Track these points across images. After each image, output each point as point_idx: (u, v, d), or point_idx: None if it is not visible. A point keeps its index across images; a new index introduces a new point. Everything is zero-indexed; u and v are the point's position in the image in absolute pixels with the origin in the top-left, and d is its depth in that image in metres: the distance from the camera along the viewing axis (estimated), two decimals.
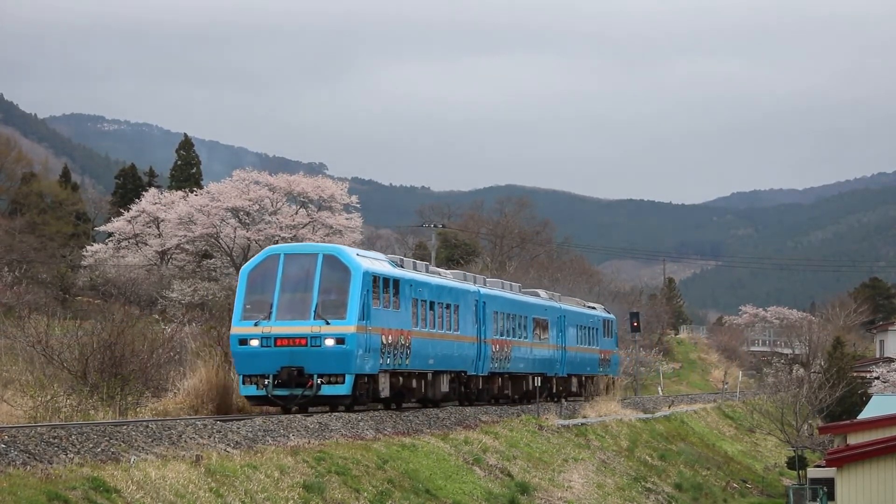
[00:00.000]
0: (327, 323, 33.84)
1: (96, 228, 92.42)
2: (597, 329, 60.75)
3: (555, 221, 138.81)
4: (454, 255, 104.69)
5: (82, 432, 23.95)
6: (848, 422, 50.75)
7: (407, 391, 38.69)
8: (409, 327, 37.95)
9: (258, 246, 66.42)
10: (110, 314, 41.55)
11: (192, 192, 77.82)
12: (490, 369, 45.39)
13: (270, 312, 34.15)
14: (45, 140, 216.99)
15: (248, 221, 73.71)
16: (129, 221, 77.71)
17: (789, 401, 64.51)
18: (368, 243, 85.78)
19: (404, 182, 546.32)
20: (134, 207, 78.25)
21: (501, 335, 46.59)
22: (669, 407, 68.73)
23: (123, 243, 77.66)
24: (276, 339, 33.93)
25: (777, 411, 63.93)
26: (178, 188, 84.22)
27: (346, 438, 31.76)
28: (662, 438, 57.35)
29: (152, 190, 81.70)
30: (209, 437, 27.19)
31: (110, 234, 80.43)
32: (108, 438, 24.19)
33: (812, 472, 48.19)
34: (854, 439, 43.12)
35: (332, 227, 74.77)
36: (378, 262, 37.13)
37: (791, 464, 60.90)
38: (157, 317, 58.10)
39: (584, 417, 52.12)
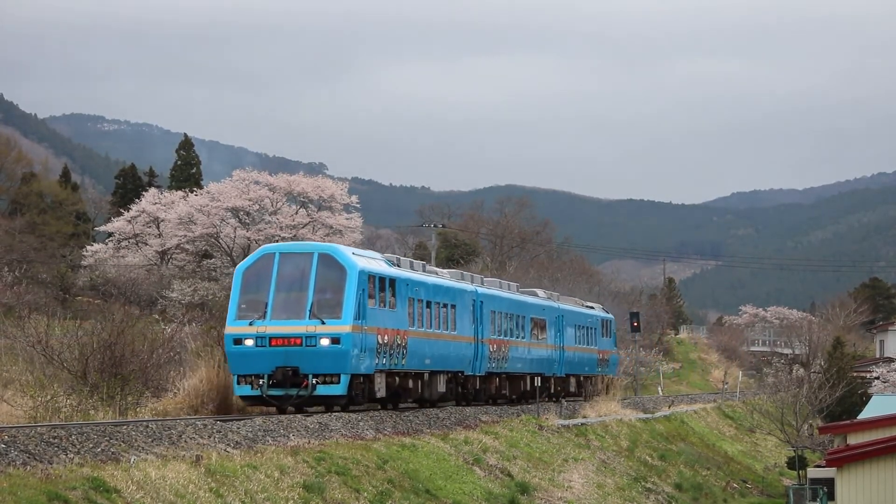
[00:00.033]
0: (322, 322, 33.60)
1: (96, 228, 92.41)
2: (595, 329, 60.62)
3: (555, 221, 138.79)
4: (454, 255, 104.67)
5: (82, 432, 23.94)
6: (848, 422, 50.72)
7: (403, 391, 38.46)
8: (406, 327, 37.70)
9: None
10: (110, 314, 41.51)
11: (192, 192, 77.81)
12: (487, 369, 45.20)
13: (265, 312, 33.90)
14: (45, 140, 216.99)
15: (248, 221, 73.72)
16: (129, 221, 77.70)
17: (789, 401, 64.50)
18: (368, 243, 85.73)
19: (404, 182, 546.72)
20: (134, 207, 78.22)
21: (499, 335, 46.41)
22: (669, 407, 68.72)
23: (123, 243, 77.64)
24: (270, 338, 33.67)
25: (777, 411, 63.92)
26: (178, 188, 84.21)
27: (346, 438, 31.74)
28: (662, 438, 57.34)
29: (152, 190, 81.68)
30: (209, 437, 27.19)
31: (110, 234, 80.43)
32: (108, 438, 24.18)
33: (812, 472, 48.16)
34: (854, 439, 43.10)
35: (332, 228, 74.76)
36: (374, 262, 36.89)
37: (791, 464, 60.89)
38: (157, 317, 58.09)
39: (584, 417, 52.10)
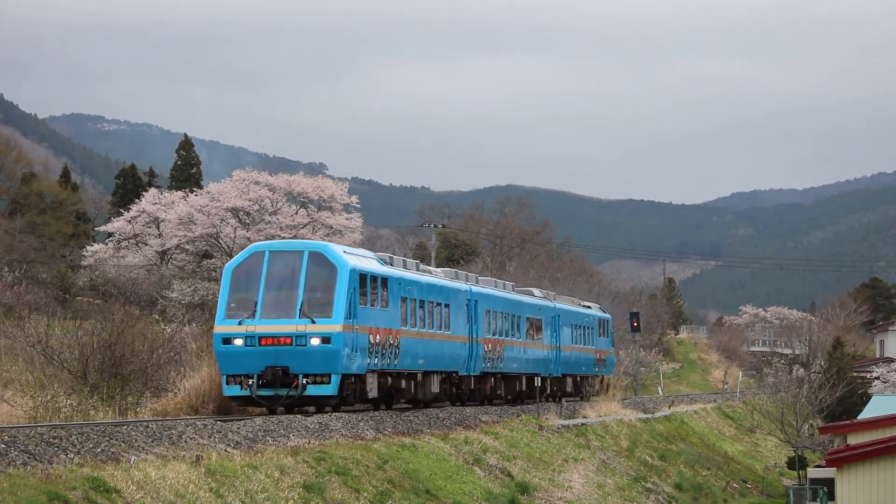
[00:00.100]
0: (313, 322, 33.12)
1: (96, 228, 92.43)
2: (592, 329, 60.40)
3: (555, 221, 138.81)
4: (454, 255, 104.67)
5: (82, 432, 23.94)
6: (848, 422, 50.73)
7: (396, 392, 38.05)
8: (398, 326, 37.27)
9: None
10: (110, 314, 41.49)
11: (192, 192, 77.80)
12: (482, 369, 44.79)
13: (255, 311, 33.39)
14: (45, 140, 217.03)
15: (248, 221, 73.71)
16: (129, 221, 77.70)
17: (789, 401, 64.50)
18: (368, 244, 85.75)
19: (404, 182, 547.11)
20: (134, 207, 78.22)
21: (494, 335, 46.06)
22: (669, 407, 68.71)
23: (123, 243, 77.64)
24: (260, 338, 33.18)
25: (777, 411, 63.92)
26: (178, 188, 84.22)
27: (346, 438, 31.72)
28: (662, 438, 57.34)
29: (152, 190, 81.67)
30: (209, 437, 27.18)
31: (110, 234, 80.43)
32: (108, 438, 24.18)
33: (812, 472, 48.15)
34: (854, 439, 43.11)
35: (332, 228, 74.74)
36: (366, 260, 36.39)
37: (791, 464, 60.89)
38: (157, 317, 58.08)
39: (584, 417, 52.07)
